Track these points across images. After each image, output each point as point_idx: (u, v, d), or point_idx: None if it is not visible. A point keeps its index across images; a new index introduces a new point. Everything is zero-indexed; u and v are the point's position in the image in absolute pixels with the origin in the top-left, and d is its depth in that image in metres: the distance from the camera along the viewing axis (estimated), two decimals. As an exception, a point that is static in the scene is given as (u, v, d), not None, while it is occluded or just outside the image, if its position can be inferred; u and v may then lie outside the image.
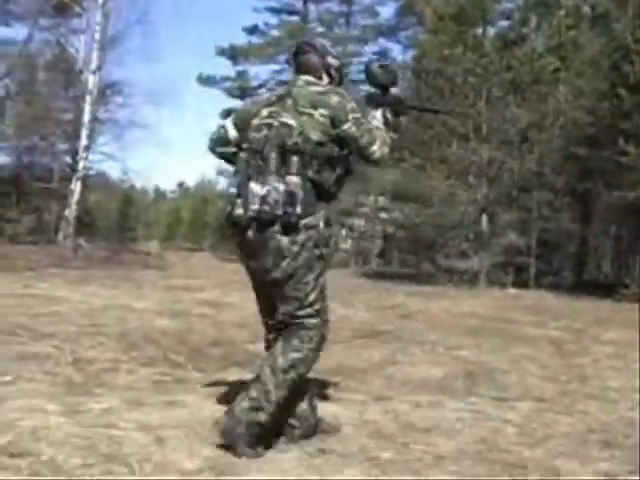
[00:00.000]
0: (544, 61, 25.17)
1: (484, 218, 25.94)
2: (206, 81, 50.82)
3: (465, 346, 9.60)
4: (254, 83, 51.01)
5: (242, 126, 4.68)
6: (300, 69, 4.82)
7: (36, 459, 3.97)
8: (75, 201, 31.77)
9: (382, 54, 49.14)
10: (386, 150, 4.69)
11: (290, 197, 4.34)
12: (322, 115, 4.49)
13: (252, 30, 49.78)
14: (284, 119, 4.48)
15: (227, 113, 52.23)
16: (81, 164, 32.35)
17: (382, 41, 49.57)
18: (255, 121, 4.58)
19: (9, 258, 21.51)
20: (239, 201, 4.40)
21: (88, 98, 32.53)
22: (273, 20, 50.07)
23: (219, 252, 44.58)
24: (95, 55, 32.80)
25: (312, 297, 4.53)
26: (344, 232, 44.53)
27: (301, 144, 4.42)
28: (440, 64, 26.06)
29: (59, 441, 4.29)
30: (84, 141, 32.40)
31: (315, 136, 4.46)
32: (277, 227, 4.35)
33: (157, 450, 4.27)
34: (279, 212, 4.33)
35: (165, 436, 4.52)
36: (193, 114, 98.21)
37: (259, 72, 50.67)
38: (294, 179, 4.38)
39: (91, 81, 32.75)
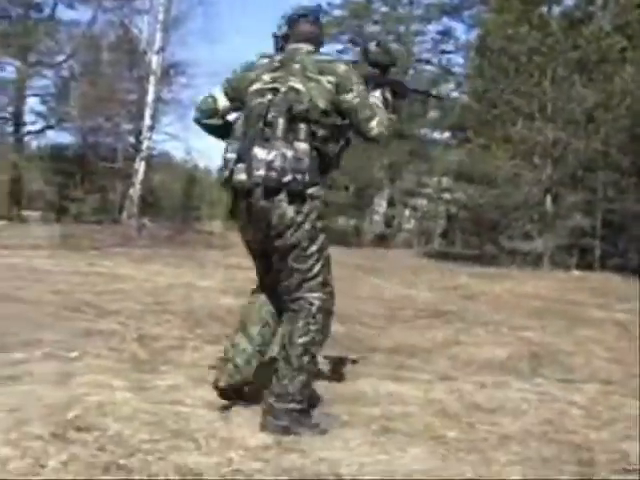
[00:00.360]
0: (611, 40, 24.78)
1: (548, 199, 25.68)
2: (269, 61, 50.78)
3: (529, 327, 9.54)
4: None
5: (233, 95, 4.61)
6: (297, 37, 4.70)
7: (102, 433, 4.01)
8: (139, 181, 31.92)
9: (446, 33, 48.86)
10: (384, 129, 4.57)
11: (298, 164, 4.27)
12: (329, 82, 4.43)
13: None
14: (292, 84, 4.40)
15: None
16: (145, 144, 32.48)
17: (446, 20, 49.10)
18: (256, 86, 4.48)
19: (74, 237, 21.75)
20: (241, 166, 4.31)
21: (152, 79, 32.64)
22: (337, 0, 49.90)
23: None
24: (158, 36, 32.88)
25: (316, 269, 4.46)
26: (407, 212, 44.48)
27: (310, 110, 4.36)
28: (504, 43, 25.77)
29: (125, 416, 4.33)
30: (148, 121, 32.52)
31: (322, 104, 4.39)
32: (283, 195, 4.28)
33: (223, 426, 4.30)
34: (287, 179, 4.24)
35: (231, 413, 4.56)
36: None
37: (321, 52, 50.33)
38: (302, 146, 4.31)
39: (154, 62, 32.85)
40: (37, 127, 37.85)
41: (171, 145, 74.54)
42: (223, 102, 4.65)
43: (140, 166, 31.96)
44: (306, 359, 4.40)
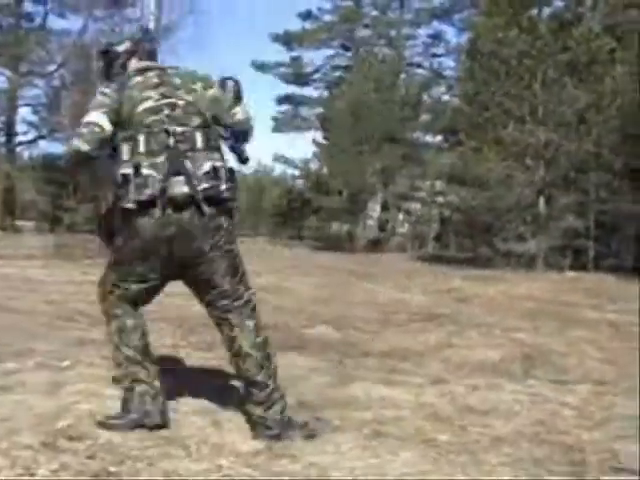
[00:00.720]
0: (600, 41, 24.80)
1: (541, 200, 25.70)
2: (260, 67, 50.88)
3: (523, 329, 9.57)
4: (308, 68, 51.02)
5: (117, 119, 4.42)
6: (140, 54, 4.76)
7: (93, 442, 4.01)
8: (133, 189, 31.94)
9: (436, 37, 48.99)
10: (249, 116, 4.70)
11: (227, 172, 4.37)
12: (201, 88, 4.54)
13: (306, 15, 49.76)
14: (186, 97, 4.47)
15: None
16: (138, 152, 32.52)
17: (436, 24, 49.28)
18: (146, 104, 4.40)
19: (68, 247, 21.74)
20: (179, 179, 4.22)
21: (143, 87, 32.68)
22: (327, 5, 49.97)
23: (276, 238, 44.69)
24: (149, 44, 32.91)
25: (242, 267, 4.53)
26: (401, 216, 44.49)
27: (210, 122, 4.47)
28: (495, 46, 25.80)
29: (117, 424, 4.33)
30: (140, 130, 32.53)
31: (209, 115, 4.49)
32: (222, 204, 4.34)
33: (214, 432, 4.31)
34: (223, 187, 4.31)
35: (222, 419, 4.56)
36: (247, 100, 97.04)
37: (313, 57, 50.56)
38: (219, 155, 4.42)
39: (146, 70, 32.88)
40: (29, 137, 37.99)
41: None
42: (109, 128, 4.43)
43: (133, 174, 31.96)
44: (271, 355, 4.47)
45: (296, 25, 50.63)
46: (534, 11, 26.95)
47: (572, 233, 26.08)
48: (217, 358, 6.74)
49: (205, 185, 4.24)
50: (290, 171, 51.52)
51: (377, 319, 10.19)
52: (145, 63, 4.69)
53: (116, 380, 4.58)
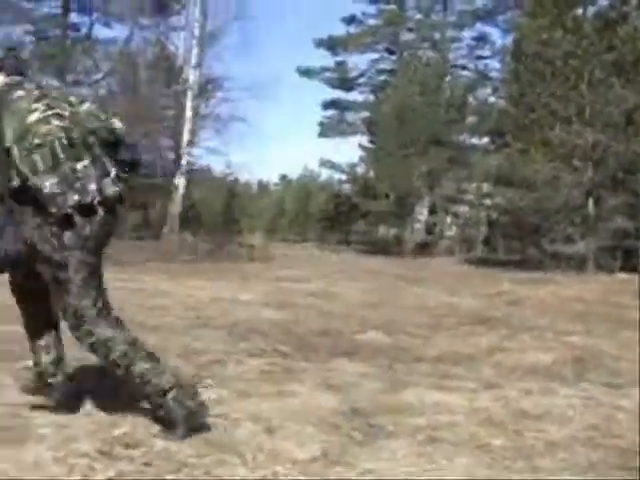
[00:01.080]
0: (647, 40, 24.63)
1: (590, 202, 25.55)
2: (306, 73, 51.02)
3: (574, 331, 9.49)
4: (354, 73, 51.07)
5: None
6: (8, 70, 4.68)
7: (149, 449, 4.02)
8: (179, 196, 32.17)
9: (481, 39, 48.84)
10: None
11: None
12: (84, 108, 4.57)
13: (350, 20, 49.82)
14: (69, 108, 4.49)
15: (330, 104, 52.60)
16: (184, 159, 32.72)
17: (480, 26, 49.15)
18: (35, 116, 4.34)
19: (116, 253, 21.81)
20: (109, 180, 4.33)
21: (189, 94, 32.87)
22: (371, 9, 50.02)
23: (324, 243, 44.71)
24: (195, 52, 33.13)
25: None
26: (449, 219, 44.34)
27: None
28: (539, 47, 25.71)
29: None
30: (186, 136, 32.74)
31: (93, 127, 4.50)
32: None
33: (268, 440, 4.30)
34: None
35: (276, 426, 4.55)
36: (293, 106, 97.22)
37: (358, 62, 50.74)
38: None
39: (192, 77, 33.10)
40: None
41: (211, 160, 74.59)
42: None
43: (180, 181, 32.17)
44: None
45: (340, 30, 50.81)
46: (579, 11, 26.86)
47: (621, 234, 25.91)
48: (268, 364, 6.76)
49: (122, 186, 4.40)
50: (337, 176, 51.74)
51: (427, 323, 10.15)
52: (17, 78, 4.65)
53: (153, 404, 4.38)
